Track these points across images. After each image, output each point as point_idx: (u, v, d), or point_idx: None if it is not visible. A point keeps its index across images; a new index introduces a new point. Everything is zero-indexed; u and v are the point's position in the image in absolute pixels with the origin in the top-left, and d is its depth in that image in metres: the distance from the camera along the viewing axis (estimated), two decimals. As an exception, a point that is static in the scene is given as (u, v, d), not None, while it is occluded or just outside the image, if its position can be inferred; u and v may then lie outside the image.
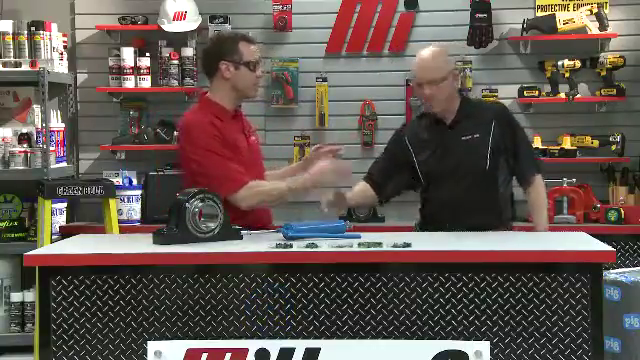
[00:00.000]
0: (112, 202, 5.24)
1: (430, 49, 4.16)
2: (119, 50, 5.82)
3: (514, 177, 4.22)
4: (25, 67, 5.47)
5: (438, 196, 4.15)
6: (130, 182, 5.73)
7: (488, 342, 3.33)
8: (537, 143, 5.76)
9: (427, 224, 4.22)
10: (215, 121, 3.95)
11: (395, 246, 3.45)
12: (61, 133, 5.64)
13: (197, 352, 3.35)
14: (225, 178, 3.87)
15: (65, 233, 5.32)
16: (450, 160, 4.12)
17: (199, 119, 3.97)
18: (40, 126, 5.42)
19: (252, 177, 3.95)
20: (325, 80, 5.92)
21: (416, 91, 4.38)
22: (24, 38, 5.49)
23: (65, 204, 5.70)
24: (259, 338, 3.36)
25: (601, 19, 5.75)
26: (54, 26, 5.63)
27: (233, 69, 3.98)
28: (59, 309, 3.38)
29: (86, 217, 5.81)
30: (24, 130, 5.51)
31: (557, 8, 5.85)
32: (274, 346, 3.34)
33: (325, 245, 3.49)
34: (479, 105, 4.44)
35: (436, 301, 3.36)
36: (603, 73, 5.77)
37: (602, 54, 5.82)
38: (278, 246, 3.47)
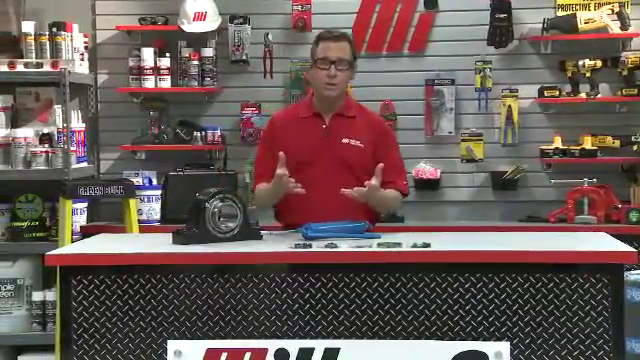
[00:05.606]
0: (132, 202, 5.25)
1: None
2: (139, 51, 5.83)
3: None
4: (46, 68, 5.48)
5: None
6: (150, 182, 5.74)
7: (508, 343, 3.32)
8: (557, 143, 5.74)
9: None
10: (282, 115, 4.20)
11: (415, 246, 3.45)
12: (82, 133, 5.66)
13: (217, 352, 3.36)
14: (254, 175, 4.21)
15: (86, 233, 5.32)
16: None
17: (275, 113, 4.34)
18: (61, 126, 5.43)
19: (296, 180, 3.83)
20: (344, 80, 5.90)
21: None
22: (45, 39, 5.51)
23: (85, 204, 5.71)
24: (278, 338, 3.37)
25: (622, 18, 5.71)
26: (75, 27, 5.66)
27: (311, 68, 4.08)
28: (80, 308, 3.40)
29: (106, 217, 5.82)
30: (45, 130, 5.52)
31: (578, 7, 5.80)
32: (293, 346, 3.34)
33: (345, 245, 3.49)
34: None
35: (456, 301, 3.35)
36: (624, 73, 5.73)
37: (623, 53, 5.77)
38: (297, 246, 3.47)
